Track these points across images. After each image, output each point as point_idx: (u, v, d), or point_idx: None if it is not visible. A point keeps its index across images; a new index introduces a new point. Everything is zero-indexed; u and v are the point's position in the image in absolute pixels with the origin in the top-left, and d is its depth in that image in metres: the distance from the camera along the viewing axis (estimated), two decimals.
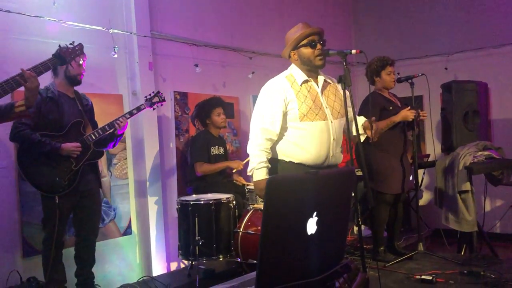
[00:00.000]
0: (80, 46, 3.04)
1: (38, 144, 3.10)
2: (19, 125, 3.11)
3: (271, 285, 1.35)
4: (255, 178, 2.84)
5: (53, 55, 2.85)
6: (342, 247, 1.71)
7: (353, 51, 2.77)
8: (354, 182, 1.69)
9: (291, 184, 1.41)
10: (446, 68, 5.86)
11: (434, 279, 3.28)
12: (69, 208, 3.32)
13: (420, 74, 4.08)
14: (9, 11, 3.41)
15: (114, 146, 3.61)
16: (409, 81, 4.06)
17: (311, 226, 1.49)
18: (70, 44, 2.99)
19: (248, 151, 2.91)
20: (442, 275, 3.40)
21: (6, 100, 2.77)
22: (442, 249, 4.37)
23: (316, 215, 1.49)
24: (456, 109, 4.44)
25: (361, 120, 3.06)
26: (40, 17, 3.60)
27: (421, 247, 4.02)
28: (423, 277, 3.34)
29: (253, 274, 1.72)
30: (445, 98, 4.62)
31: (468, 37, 5.93)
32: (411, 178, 4.13)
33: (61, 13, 3.77)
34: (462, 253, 4.31)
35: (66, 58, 2.91)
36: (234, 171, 4.41)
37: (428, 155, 5.70)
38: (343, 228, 1.69)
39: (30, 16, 3.54)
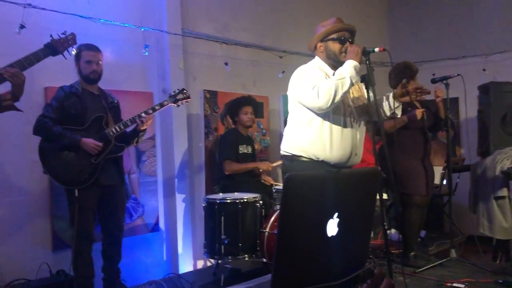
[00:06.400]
0: (73, 35, 2.98)
1: (59, 136, 3.15)
2: (42, 119, 3.18)
3: (287, 287, 1.31)
4: (350, 73, 2.62)
5: (44, 45, 2.81)
6: (365, 251, 1.65)
7: (376, 49, 2.66)
8: (379, 183, 1.62)
9: (310, 183, 1.36)
10: (484, 69, 5.65)
11: (466, 287, 3.15)
12: (93, 202, 3.33)
13: (456, 75, 3.93)
14: (44, 9, 3.48)
15: (137, 142, 3.62)
16: (444, 81, 3.93)
17: (332, 228, 1.44)
18: (62, 33, 2.94)
19: (322, 101, 2.63)
20: (475, 283, 3.26)
21: None
22: (476, 257, 4.21)
23: (337, 216, 1.44)
24: (493, 112, 4.26)
25: (391, 97, 2.95)
26: (73, 14, 3.66)
27: (453, 253, 3.87)
28: (454, 284, 3.21)
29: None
30: (482, 100, 4.45)
31: (508, 37, 5.70)
32: (444, 182, 4.00)
33: (94, 11, 3.84)
34: (498, 262, 4.15)
35: (58, 48, 2.86)
36: (261, 170, 4.38)
37: (464, 159, 5.51)
38: (366, 230, 1.63)
39: (65, 13, 3.61)
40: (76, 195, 3.18)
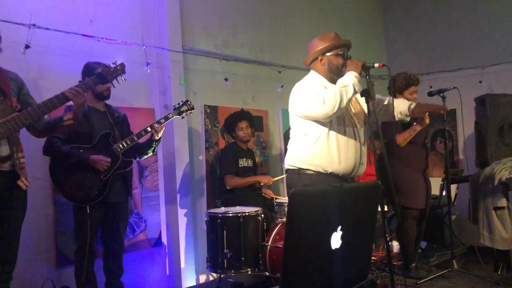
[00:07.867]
0: (122, 66, 3.10)
1: (68, 155, 3.21)
2: (51, 139, 3.23)
3: None
4: (353, 81, 2.69)
5: (95, 74, 2.97)
6: (367, 263, 1.69)
7: (376, 65, 2.72)
8: (380, 196, 1.66)
9: (314, 198, 1.41)
10: (480, 81, 5.72)
11: None
12: (100, 218, 3.39)
13: (452, 88, 4.00)
14: (48, 29, 3.54)
15: (154, 151, 3.67)
16: (441, 94, 3.99)
17: (336, 241, 1.48)
18: (113, 63, 3.06)
19: (328, 107, 2.67)
20: None
21: None
22: (477, 268, 4.23)
23: (340, 229, 1.48)
24: (490, 123, 4.31)
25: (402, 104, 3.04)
26: (77, 34, 3.73)
27: (455, 264, 3.90)
28: None
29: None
30: (479, 111, 4.51)
31: (503, 49, 5.78)
32: (444, 193, 4.04)
33: (96, 30, 3.91)
34: (499, 272, 4.16)
35: (107, 78, 3.01)
36: (262, 184, 4.42)
37: (462, 170, 5.55)
38: (368, 243, 1.67)
39: (68, 33, 3.67)
40: (88, 211, 3.23)
